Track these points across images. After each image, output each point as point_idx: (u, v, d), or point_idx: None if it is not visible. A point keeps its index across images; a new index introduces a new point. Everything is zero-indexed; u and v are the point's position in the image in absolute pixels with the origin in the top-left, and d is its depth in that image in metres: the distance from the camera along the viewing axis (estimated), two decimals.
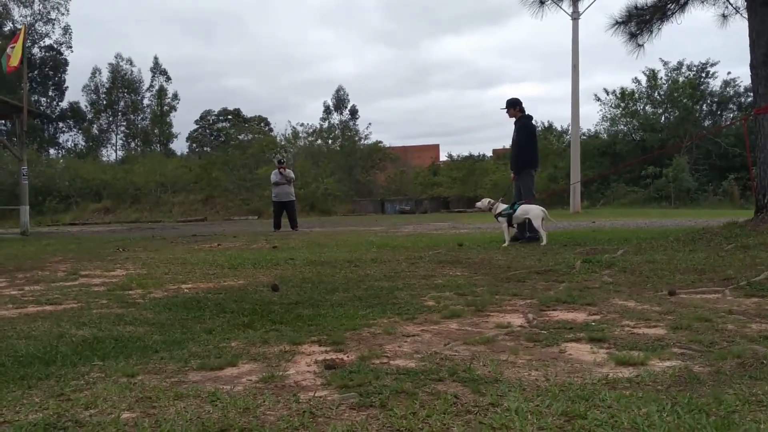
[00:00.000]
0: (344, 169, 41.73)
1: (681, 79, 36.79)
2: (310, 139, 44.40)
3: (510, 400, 2.12)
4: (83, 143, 57.89)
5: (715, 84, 37.11)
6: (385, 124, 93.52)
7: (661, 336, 3.11)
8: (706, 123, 37.59)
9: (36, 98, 52.31)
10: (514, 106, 9.61)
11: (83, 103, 57.42)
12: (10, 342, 3.29)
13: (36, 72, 52.63)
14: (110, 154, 58.37)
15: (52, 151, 54.99)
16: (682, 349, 2.83)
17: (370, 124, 61.13)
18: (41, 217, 30.59)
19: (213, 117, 64.25)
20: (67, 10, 54.84)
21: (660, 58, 36.98)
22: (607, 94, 39.20)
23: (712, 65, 36.47)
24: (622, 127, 39.11)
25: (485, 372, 2.50)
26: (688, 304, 3.95)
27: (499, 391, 2.23)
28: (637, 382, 2.33)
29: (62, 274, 6.74)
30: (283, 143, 43.59)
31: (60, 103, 56.66)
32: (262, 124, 58.71)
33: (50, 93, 56.07)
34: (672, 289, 4.46)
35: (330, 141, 45.38)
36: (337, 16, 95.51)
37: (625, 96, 38.56)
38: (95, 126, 58.44)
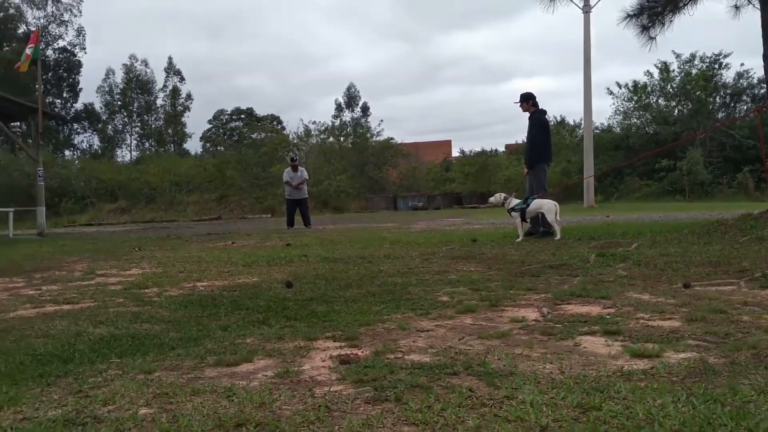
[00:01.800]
0: (356, 166, 41.78)
1: (694, 71, 36.53)
2: (322, 136, 44.47)
3: (525, 392, 2.12)
4: (98, 144, 58.36)
5: (728, 76, 36.85)
6: (396, 120, 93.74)
7: (676, 328, 3.10)
8: (720, 115, 37.33)
9: (51, 100, 52.75)
10: (527, 100, 9.59)
11: (98, 105, 57.86)
12: (29, 341, 3.33)
13: (50, 74, 53.06)
14: (125, 154, 58.81)
15: (67, 152, 55.49)
16: (697, 340, 2.82)
17: (381, 120, 61.02)
18: (57, 217, 30.84)
19: (226, 116, 64.51)
20: (80, 12, 55.26)
21: (672, 51, 36.78)
22: (620, 88, 39.03)
23: (725, 57, 36.20)
24: (635, 120, 38.94)
25: (500, 366, 2.50)
26: (703, 297, 3.93)
27: (514, 384, 2.24)
28: (652, 373, 2.33)
29: (79, 273, 6.80)
30: (295, 141, 43.67)
31: (74, 105, 57.16)
32: (275, 123, 58.86)
33: (64, 95, 56.53)
34: (687, 281, 4.44)
35: (342, 138, 45.42)
36: (348, 13, 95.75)
37: (637, 89, 38.35)
38: (110, 127, 58.87)
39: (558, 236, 8.51)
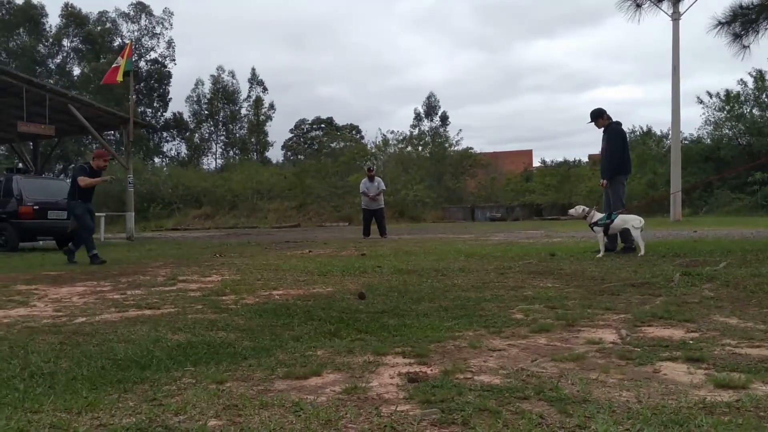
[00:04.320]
0: (434, 175, 41.70)
1: None
2: (400, 146, 44.62)
3: (598, 422, 2.03)
4: (185, 152, 60.61)
5: None
6: (476, 129, 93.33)
7: (765, 357, 2.91)
8: None
9: (142, 109, 55.21)
10: (600, 116, 9.30)
11: (186, 114, 60.13)
12: (111, 345, 3.46)
13: (142, 84, 55.56)
14: (210, 162, 60.89)
15: (156, 159, 57.84)
16: None
17: (460, 130, 60.38)
18: (146, 222, 32.17)
19: (307, 126, 65.81)
20: (171, 25, 57.77)
21: None
22: (711, 97, 37.43)
23: None
24: (727, 131, 37.20)
25: (573, 391, 2.41)
26: None
27: (587, 412, 2.15)
28: (737, 407, 2.20)
29: (162, 279, 7.04)
30: (373, 151, 44.02)
31: (164, 114, 59.60)
32: (354, 132, 59.61)
33: (155, 104, 59.03)
34: None
35: (420, 148, 45.45)
36: (428, 22, 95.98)
37: (729, 99, 36.68)
38: (197, 135, 61.05)
39: (642, 252, 8.21)
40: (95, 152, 10.81)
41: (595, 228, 8.67)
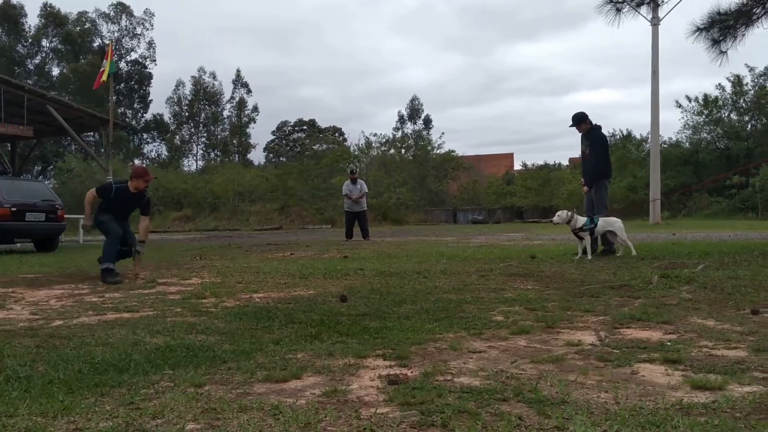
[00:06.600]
0: (417, 178, 41.83)
1: None
2: (383, 148, 44.69)
3: (576, 423, 2.04)
4: (166, 153, 60.20)
5: None
6: (458, 132, 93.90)
7: (741, 358, 2.95)
8: None
9: (122, 110, 54.74)
10: (583, 120, 9.34)
11: (167, 115, 59.74)
12: (88, 348, 3.42)
13: (122, 85, 55.10)
14: (191, 164, 60.55)
15: (136, 161, 57.36)
16: (764, 373, 2.67)
17: (443, 133, 59.97)
18: None
19: (289, 128, 65.63)
20: (152, 25, 57.39)
21: (745, 64, 35.53)
22: (689, 101, 37.91)
23: None
24: (705, 135, 37.70)
25: (552, 393, 2.42)
26: None
27: (566, 413, 2.16)
28: (713, 408, 2.22)
29: (141, 281, 6.98)
30: (356, 153, 44.03)
31: (144, 115, 59.16)
32: (337, 134, 59.54)
33: (135, 105, 58.57)
34: (756, 307, 4.23)
35: (403, 150, 45.53)
36: (412, 25, 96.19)
37: (708, 103, 37.16)
38: (177, 137, 60.64)
39: (633, 253, 8.31)
40: (136, 169, 8.02)
41: (581, 234, 8.60)
